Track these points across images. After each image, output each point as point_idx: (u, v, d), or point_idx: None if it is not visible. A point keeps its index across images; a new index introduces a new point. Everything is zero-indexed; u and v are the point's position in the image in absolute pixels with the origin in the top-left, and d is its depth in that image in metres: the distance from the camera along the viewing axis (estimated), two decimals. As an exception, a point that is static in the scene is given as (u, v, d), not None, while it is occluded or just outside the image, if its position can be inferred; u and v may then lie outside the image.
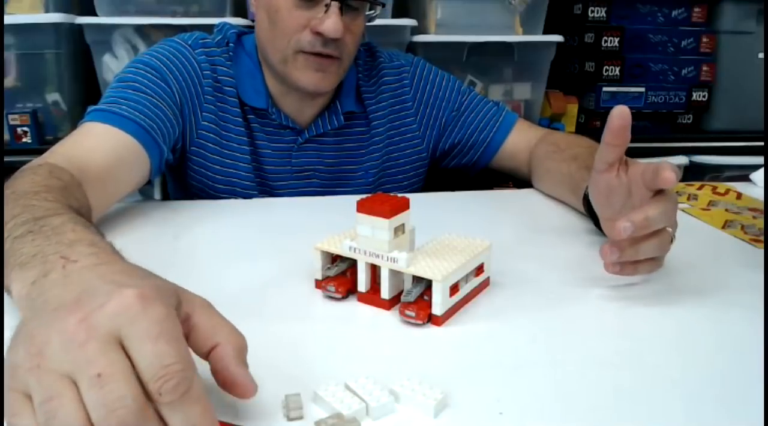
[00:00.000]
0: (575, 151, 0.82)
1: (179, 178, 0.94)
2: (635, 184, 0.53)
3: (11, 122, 1.44)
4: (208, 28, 0.91)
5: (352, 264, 0.54)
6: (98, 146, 0.72)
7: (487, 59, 1.61)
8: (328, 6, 0.78)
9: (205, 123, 0.86)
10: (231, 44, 0.88)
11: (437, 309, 0.48)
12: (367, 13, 0.84)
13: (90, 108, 0.78)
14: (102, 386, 0.28)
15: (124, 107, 0.77)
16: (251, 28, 0.90)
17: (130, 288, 0.31)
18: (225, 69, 0.86)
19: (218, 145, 0.88)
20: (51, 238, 0.42)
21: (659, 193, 0.52)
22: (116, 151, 0.73)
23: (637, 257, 0.52)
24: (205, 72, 0.85)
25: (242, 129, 0.88)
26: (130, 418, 0.28)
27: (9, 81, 1.43)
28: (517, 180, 1.00)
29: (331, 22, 0.77)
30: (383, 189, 0.98)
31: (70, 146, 0.71)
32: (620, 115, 0.51)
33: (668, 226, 0.53)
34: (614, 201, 0.56)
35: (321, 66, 0.81)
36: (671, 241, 0.54)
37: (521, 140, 0.97)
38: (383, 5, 0.86)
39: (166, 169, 0.95)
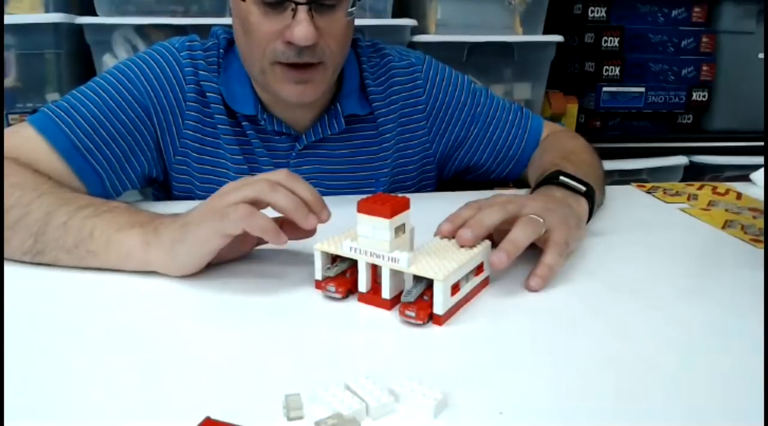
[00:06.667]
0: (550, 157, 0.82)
1: (165, 193, 0.90)
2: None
3: (11, 122, 1.43)
4: (207, 28, 0.89)
5: (352, 264, 0.54)
6: (38, 165, 0.71)
7: (487, 59, 1.61)
8: (294, 11, 0.70)
9: (188, 131, 0.82)
10: (221, 50, 0.83)
11: (439, 308, 0.49)
12: (349, 9, 0.75)
13: (47, 105, 0.76)
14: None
15: (71, 124, 0.75)
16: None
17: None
18: (207, 74, 0.82)
19: (203, 153, 0.83)
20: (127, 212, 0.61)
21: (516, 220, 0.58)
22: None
23: (518, 246, 0.56)
24: (188, 77, 0.81)
25: (231, 137, 0.82)
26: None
27: (9, 81, 1.43)
28: (517, 180, 0.99)
29: (299, 30, 0.70)
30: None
31: (11, 151, 0.71)
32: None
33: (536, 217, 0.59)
34: None
35: (301, 78, 0.75)
36: (541, 227, 0.59)
37: None
38: None
39: (154, 188, 0.92)
